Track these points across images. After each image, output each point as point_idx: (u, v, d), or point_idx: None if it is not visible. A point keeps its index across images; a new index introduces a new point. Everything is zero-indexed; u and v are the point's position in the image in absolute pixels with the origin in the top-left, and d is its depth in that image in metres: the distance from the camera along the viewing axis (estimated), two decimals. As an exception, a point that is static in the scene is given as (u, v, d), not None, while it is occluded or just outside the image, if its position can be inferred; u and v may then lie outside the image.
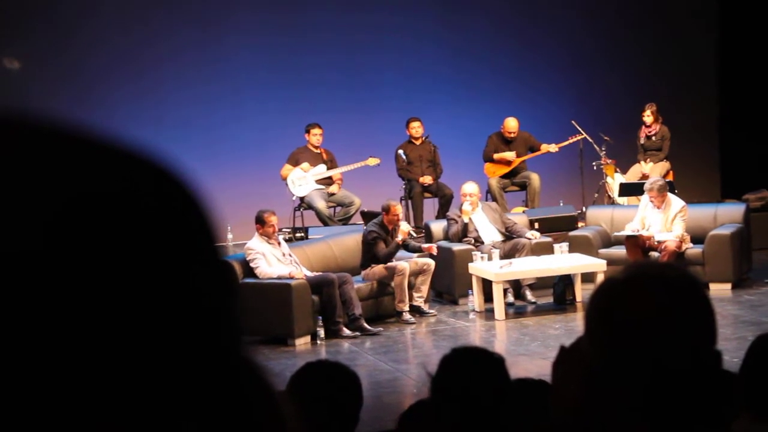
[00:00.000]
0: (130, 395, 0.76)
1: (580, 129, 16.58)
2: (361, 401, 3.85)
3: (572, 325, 12.07)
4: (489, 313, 12.82)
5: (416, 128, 16.20)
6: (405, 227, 13.10)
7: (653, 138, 16.46)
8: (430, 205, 16.25)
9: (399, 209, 13.17)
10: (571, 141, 16.60)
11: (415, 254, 13.27)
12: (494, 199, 15.76)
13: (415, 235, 13.72)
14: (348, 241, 13.34)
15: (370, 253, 12.95)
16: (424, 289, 13.05)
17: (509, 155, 16.24)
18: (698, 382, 1.87)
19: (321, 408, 3.69)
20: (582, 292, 12.88)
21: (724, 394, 1.97)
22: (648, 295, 1.90)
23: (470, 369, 3.31)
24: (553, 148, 16.39)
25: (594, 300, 1.94)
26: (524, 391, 3.69)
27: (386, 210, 13.07)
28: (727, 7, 18.49)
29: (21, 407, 0.74)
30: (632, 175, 16.42)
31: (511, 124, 16.32)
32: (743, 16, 18.18)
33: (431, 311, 13.10)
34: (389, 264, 12.86)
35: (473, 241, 13.64)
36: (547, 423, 2.69)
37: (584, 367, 1.93)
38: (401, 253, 13.39)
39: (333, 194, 15.88)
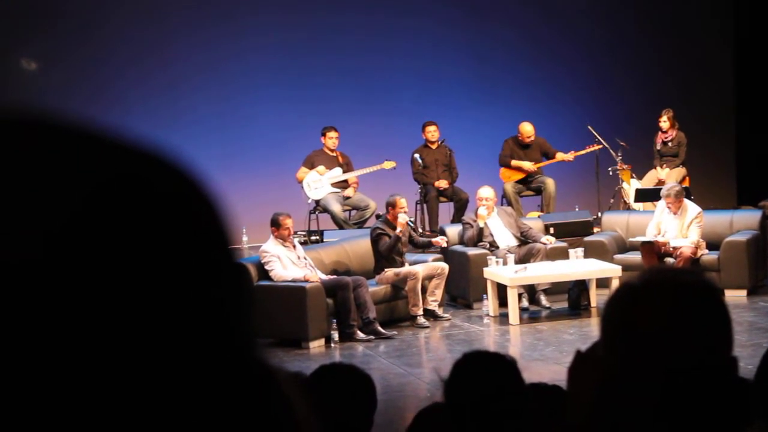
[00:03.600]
0: (139, 396, 0.76)
1: (596, 135, 16.54)
2: (375, 404, 3.85)
3: (587, 331, 12.04)
4: (503, 318, 12.81)
5: (432, 132, 16.19)
6: (402, 218, 13.02)
7: (669, 144, 16.42)
8: (446, 209, 16.23)
9: (403, 201, 13.10)
10: (588, 150, 16.57)
11: (425, 249, 13.30)
12: (510, 204, 15.74)
13: (413, 225, 13.66)
14: (363, 245, 13.34)
15: (380, 255, 12.94)
16: (439, 293, 13.04)
17: (527, 165, 16.21)
18: (714, 388, 1.87)
19: (335, 410, 3.69)
20: (597, 298, 12.86)
21: (740, 400, 1.96)
22: (665, 301, 1.90)
23: (483, 373, 3.31)
24: (569, 156, 16.35)
25: (610, 305, 1.94)
26: (538, 396, 3.68)
27: (392, 205, 13.04)
28: (743, 13, 18.45)
29: (30, 405, 0.74)
30: (648, 181, 16.39)
31: (527, 128, 16.30)
32: (760, 23, 18.14)
33: (445, 315, 13.09)
34: (402, 269, 12.85)
35: (488, 245, 13.62)
36: (562, 428, 2.69)
37: (600, 372, 1.92)
38: (414, 256, 13.38)
39: (348, 197, 15.88)
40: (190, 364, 0.78)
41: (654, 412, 1.86)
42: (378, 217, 14.10)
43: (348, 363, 4.10)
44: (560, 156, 16.33)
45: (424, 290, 12.90)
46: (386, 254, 12.87)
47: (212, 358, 0.79)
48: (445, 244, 13.40)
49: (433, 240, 13.41)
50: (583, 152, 16.54)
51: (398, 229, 12.93)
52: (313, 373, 3.84)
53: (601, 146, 16.53)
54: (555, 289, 13.37)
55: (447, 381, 3.31)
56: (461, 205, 15.90)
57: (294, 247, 12.48)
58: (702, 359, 1.87)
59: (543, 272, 13.04)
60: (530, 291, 13.37)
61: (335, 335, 12.00)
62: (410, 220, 13.38)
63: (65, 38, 16.01)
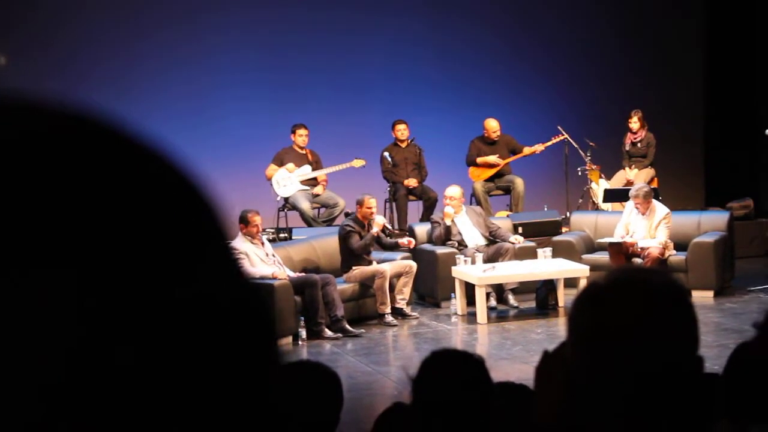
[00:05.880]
0: (137, 398, 0.74)
1: (566, 135, 16.59)
2: (342, 402, 3.84)
3: (554, 330, 12.08)
4: (471, 317, 12.82)
5: (402, 131, 16.19)
6: (380, 220, 13.08)
7: (638, 144, 16.48)
8: (415, 207, 16.24)
9: (373, 202, 13.13)
10: (554, 141, 16.59)
11: (393, 251, 13.32)
12: (479, 203, 15.76)
13: (390, 227, 13.68)
14: (332, 243, 13.33)
15: (349, 253, 12.93)
16: (407, 291, 13.04)
17: (492, 159, 16.22)
18: (679, 388, 1.87)
19: (301, 408, 3.68)
20: (565, 298, 12.89)
21: (706, 399, 1.97)
22: (631, 301, 1.89)
23: (451, 371, 3.30)
24: (538, 147, 16.37)
25: (577, 305, 1.94)
26: (506, 395, 3.68)
27: (360, 203, 13.07)
28: (714, 15, 18.54)
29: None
30: (617, 181, 16.44)
31: (492, 124, 16.30)
32: (730, 25, 18.23)
33: (413, 314, 13.10)
34: (370, 267, 12.85)
35: (457, 244, 13.64)
36: (529, 427, 2.69)
37: (567, 372, 1.92)
38: (382, 255, 13.38)
39: (318, 195, 15.86)
40: (193, 360, 0.76)
41: (620, 412, 1.86)
42: (347, 215, 14.10)
43: (314, 361, 4.09)
44: (528, 150, 16.34)
45: (392, 288, 12.91)
46: (359, 253, 12.87)
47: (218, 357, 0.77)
48: (412, 246, 13.42)
49: (400, 241, 13.40)
50: (549, 143, 16.56)
51: (375, 229, 12.94)
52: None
53: (564, 137, 16.56)
54: (523, 288, 13.39)
55: (415, 379, 3.30)
56: (430, 204, 15.91)
57: (262, 244, 12.46)
58: (668, 359, 1.87)
59: (511, 271, 13.06)
60: (498, 290, 13.39)
61: (303, 333, 11.99)
62: (387, 224, 13.40)
63: (36, 33, 15.92)
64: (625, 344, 1.86)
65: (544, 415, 2.00)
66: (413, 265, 13.11)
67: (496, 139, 16.31)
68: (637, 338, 1.86)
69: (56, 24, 16.06)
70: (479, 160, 16.28)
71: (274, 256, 12.47)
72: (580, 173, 16.62)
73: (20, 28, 15.78)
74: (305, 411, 3.69)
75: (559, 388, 1.94)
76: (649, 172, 16.35)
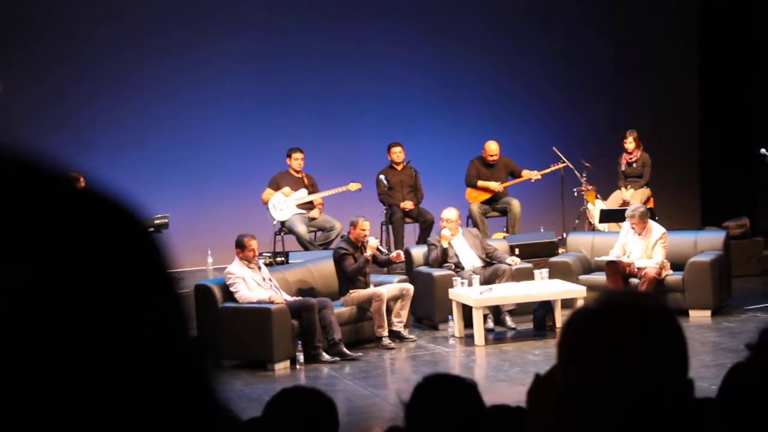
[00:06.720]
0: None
1: (561, 156, 16.60)
2: (337, 427, 3.83)
3: (552, 352, 12.00)
4: (469, 339, 12.81)
5: (397, 153, 16.20)
6: (373, 242, 13.08)
7: (634, 165, 16.49)
8: (411, 230, 16.24)
9: (366, 224, 13.14)
10: (553, 169, 16.62)
11: (387, 266, 13.40)
12: (475, 225, 15.76)
13: (384, 250, 13.69)
14: (328, 266, 13.32)
15: (345, 276, 12.94)
16: (404, 314, 13.03)
17: (493, 185, 16.25)
18: (671, 411, 1.87)
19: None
20: (562, 318, 12.86)
21: (697, 422, 1.96)
22: (620, 325, 1.90)
23: (443, 396, 3.30)
24: (535, 175, 16.40)
25: (566, 329, 1.94)
26: (501, 418, 3.68)
27: (354, 225, 13.08)
28: (707, 34, 18.59)
29: None
30: (613, 202, 16.45)
31: (492, 147, 16.34)
32: (724, 45, 18.28)
33: (411, 336, 13.08)
34: (367, 290, 12.85)
35: (453, 266, 13.64)
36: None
37: (558, 395, 1.92)
38: (379, 278, 13.39)
39: (314, 219, 15.86)
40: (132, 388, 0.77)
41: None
42: (343, 238, 14.10)
43: (310, 386, 4.08)
44: (526, 174, 16.37)
45: (389, 311, 12.90)
46: (353, 276, 12.86)
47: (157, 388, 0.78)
48: (403, 257, 13.48)
49: (392, 256, 13.43)
50: (548, 170, 16.59)
51: (368, 252, 12.94)
52: (275, 396, 3.82)
53: (564, 164, 16.58)
54: (520, 309, 13.38)
55: (408, 404, 3.30)
56: (426, 226, 15.91)
57: (259, 268, 12.46)
58: (659, 382, 1.87)
59: (508, 293, 13.05)
60: (495, 312, 13.38)
61: (300, 357, 11.97)
62: (380, 246, 13.39)
63: (32, 65, 15.92)
64: (615, 367, 1.86)
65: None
66: (410, 287, 13.10)
67: (494, 162, 16.33)
68: (627, 361, 1.86)
69: (51, 54, 16.05)
70: (480, 184, 16.29)
71: (270, 280, 12.46)
72: (576, 194, 16.63)
73: (18, 58, 15.78)
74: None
75: (551, 411, 1.94)
76: (645, 192, 16.36)
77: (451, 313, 13.04)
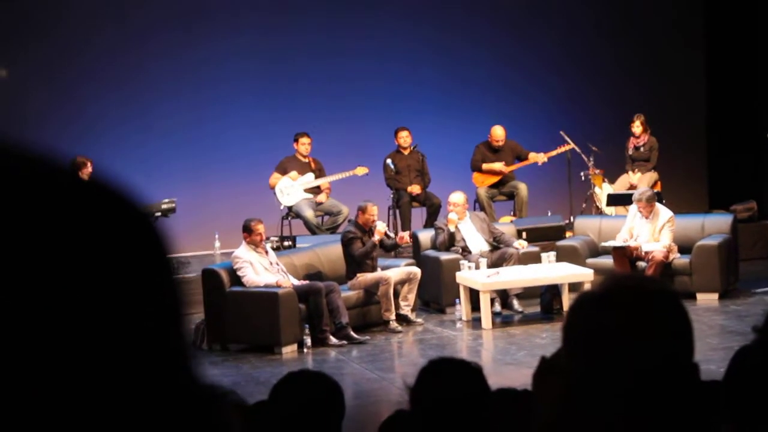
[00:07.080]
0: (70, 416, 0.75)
1: (568, 139, 16.57)
2: (343, 411, 3.83)
3: (559, 335, 11.98)
4: (476, 323, 12.82)
5: (404, 137, 16.18)
6: (381, 227, 13.09)
7: (641, 148, 16.46)
8: (419, 214, 16.23)
9: (375, 209, 13.15)
10: (559, 151, 16.58)
11: (394, 250, 13.45)
12: (482, 209, 15.75)
13: (392, 235, 13.69)
14: (335, 250, 13.33)
15: (352, 260, 12.94)
16: (411, 297, 13.04)
17: (497, 166, 16.22)
18: (676, 395, 1.87)
19: (302, 418, 3.68)
20: (569, 302, 12.86)
21: (704, 406, 1.97)
22: (625, 307, 1.90)
23: (448, 380, 3.30)
24: (541, 157, 16.36)
25: (571, 313, 1.94)
26: (507, 401, 3.68)
27: (362, 210, 13.08)
28: (713, 17, 18.54)
29: None
30: (620, 186, 16.42)
31: (498, 132, 16.31)
32: (730, 27, 18.23)
33: (418, 320, 13.09)
34: (374, 274, 12.86)
35: (461, 250, 13.64)
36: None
37: (564, 378, 1.92)
38: (386, 261, 13.39)
39: (321, 203, 15.86)
40: (120, 380, 0.77)
41: (616, 419, 1.86)
42: (350, 221, 14.11)
43: (316, 370, 4.09)
44: (533, 157, 16.34)
45: (396, 295, 12.91)
46: (361, 259, 12.87)
47: (142, 375, 0.78)
48: (407, 240, 13.51)
49: (398, 240, 13.46)
50: (554, 153, 16.55)
51: (376, 237, 12.95)
52: (281, 380, 3.82)
53: (570, 147, 16.54)
54: (527, 293, 13.40)
55: (412, 388, 3.30)
56: (434, 210, 15.89)
57: (266, 252, 12.47)
58: (663, 364, 1.87)
59: (515, 277, 13.06)
60: (503, 295, 13.39)
61: (308, 340, 11.99)
62: (388, 231, 13.41)
63: (42, 56, 15.93)
64: (620, 350, 1.87)
65: (543, 421, 2.00)
66: (417, 271, 13.11)
67: (501, 146, 16.30)
68: (632, 343, 1.87)
69: (61, 43, 16.06)
70: (484, 166, 16.28)
71: (278, 264, 12.47)
72: (583, 178, 16.60)
73: (21, 41, 15.79)
74: (306, 421, 3.69)
75: (556, 395, 1.95)
76: (652, 175, 16.34)
77: (459, 297, 13.04)
